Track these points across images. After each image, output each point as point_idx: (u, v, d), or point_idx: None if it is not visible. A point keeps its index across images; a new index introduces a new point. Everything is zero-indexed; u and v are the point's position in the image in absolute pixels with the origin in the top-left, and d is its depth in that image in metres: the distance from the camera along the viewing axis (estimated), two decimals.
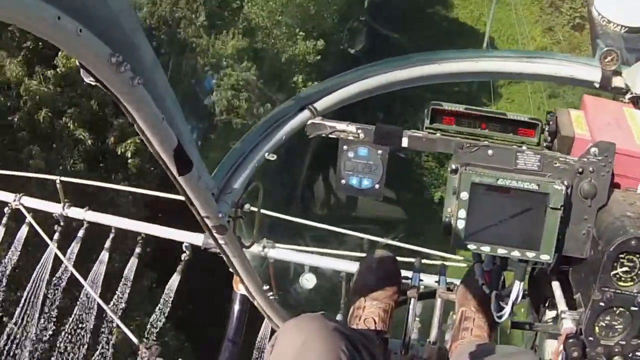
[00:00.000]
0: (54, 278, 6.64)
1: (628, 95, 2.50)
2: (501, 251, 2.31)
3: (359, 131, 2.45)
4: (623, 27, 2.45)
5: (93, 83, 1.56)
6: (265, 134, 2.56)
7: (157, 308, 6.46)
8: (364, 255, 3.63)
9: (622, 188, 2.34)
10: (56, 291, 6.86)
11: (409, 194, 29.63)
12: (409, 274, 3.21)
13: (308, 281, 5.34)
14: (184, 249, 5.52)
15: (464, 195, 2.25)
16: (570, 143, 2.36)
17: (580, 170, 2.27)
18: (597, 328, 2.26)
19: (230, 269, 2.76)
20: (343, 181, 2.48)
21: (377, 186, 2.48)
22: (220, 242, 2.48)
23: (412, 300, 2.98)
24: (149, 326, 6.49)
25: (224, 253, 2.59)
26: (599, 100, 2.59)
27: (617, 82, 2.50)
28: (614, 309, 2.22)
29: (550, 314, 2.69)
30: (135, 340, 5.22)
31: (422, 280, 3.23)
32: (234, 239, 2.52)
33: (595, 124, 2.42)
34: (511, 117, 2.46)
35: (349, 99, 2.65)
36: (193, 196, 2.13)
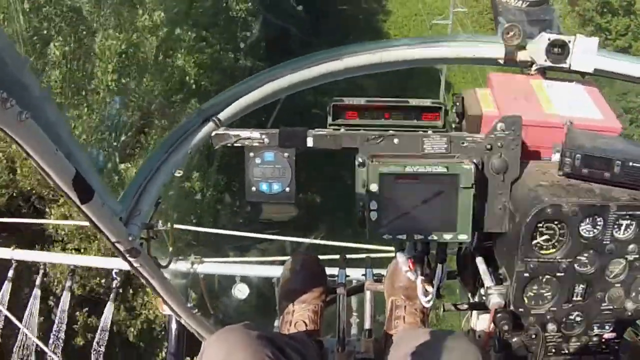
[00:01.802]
0: None
1: (534, 67, 2.52)
2: (418, 237, 2.32)
3: (263, 136, 2.42)
4: (524, 2, 2.47)
5: None
6: (170, 151, 2.49)
7: (95, 340, 6.36)
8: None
9: (540, 158, 2.37)
10: None
11: None
12: (335, 271, 3.19)
13: (241, 291, 5.27)
14: (113, 275, 5.42)
15: (374, 187, 2.25)
16: (478, 121, 2.39)
17: (489, 146, 2.30)
18: (526, 299, 2.29)
19: (151, 291, 2.65)
20: (253, 188, 2.45)
21: (287, 189, 2.46)
22: (135, 265, 2.40)
23: (341, 297, 2.98)
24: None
25: (142, 276, 2.52)
26: (505, 75, 2.62)
27: (522, 56, 2.52)
28: (540, 277, 2.25)
29: (481, 292, 2.70)
30: None
31: (348, 276, 3.23)
32: (150, 260, 2.44)
33: (502, 99, 2.44)
34: (413, 103, 2.47)
35: (252, 105, 2.60)
36: (99, 223, 2.06)
